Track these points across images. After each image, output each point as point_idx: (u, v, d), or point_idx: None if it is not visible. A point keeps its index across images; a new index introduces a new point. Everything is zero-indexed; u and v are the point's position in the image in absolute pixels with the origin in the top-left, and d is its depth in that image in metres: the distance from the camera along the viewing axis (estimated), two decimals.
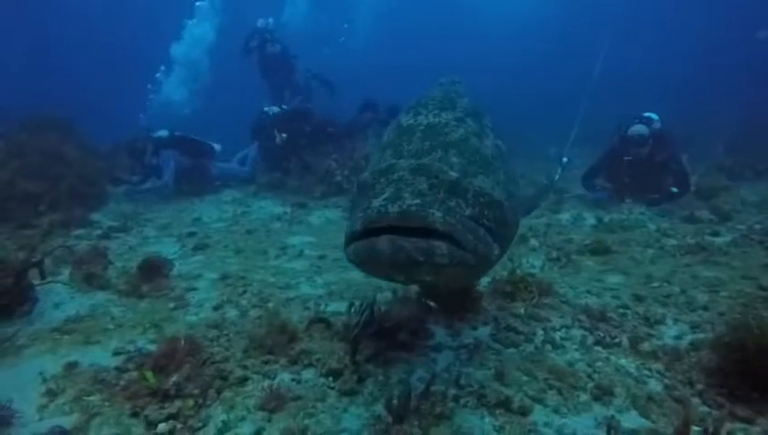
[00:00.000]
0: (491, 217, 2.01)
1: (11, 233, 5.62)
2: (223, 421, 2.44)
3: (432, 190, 1.89)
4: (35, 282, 3.82)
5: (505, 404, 2.54)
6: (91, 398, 2.64)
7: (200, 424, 2.45)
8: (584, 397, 2.63)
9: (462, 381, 2.74)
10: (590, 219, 6.61)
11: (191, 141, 8.56)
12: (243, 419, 2.48)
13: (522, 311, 3.64)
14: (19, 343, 3.16)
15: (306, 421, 2.44)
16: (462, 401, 2.59)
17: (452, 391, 2.65)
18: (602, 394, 2.63)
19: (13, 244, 5.12)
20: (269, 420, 2.47)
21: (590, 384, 2.72)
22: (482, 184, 2.06)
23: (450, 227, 1.79)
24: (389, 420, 2.40)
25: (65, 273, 4.43)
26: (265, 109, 9.04)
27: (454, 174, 1.96)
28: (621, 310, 3.68)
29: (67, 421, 2.44)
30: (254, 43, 11.30)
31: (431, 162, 2.02)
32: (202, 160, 8.53)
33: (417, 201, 1.82)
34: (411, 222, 1.76)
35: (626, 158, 7.28)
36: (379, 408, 2.54)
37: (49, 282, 3.94)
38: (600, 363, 2.94)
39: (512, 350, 3.15)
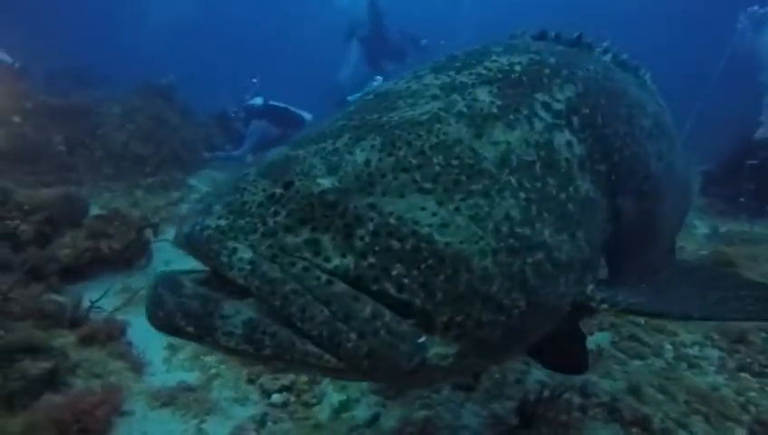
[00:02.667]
0: (425, 282, 1.06)
1: (123, 191, 5.98)
2: (340, 402, 2.39)
3: (264, 207, 1.08)
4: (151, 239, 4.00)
5: (643, 424, 2.28)
6: (207, 358, 2.69)
7: (314, 400, 2.41)
8: (740, 431, 2.31)
9: (588, 390, 2.51)
10: (702, 228, 6.00)
11: (283, 110, 8.73)
12: (357, 401, 2.41)
13: (641, 320, 3.31)
14: (141, 293, 3.31)
15: (424, 412, 2.33)
16: (590, 413, 2.37)
17: (577, 400, 2.43)
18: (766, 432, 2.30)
19: (126, 202, 5.44)
20: (384, 406, 2.38)
21: (746, 417, 2.38)
22: (412, 215, 1.09)
23: (260, 279, 0.99)
24: (514, 422, 2.24)
25: (171, 232, 4.63)
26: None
27: (324, 183, 1.07)
28: (764, 334, 3.25)
29: (191, 377, 2.49)
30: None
31: (303, 156, 1.15)
32: (290, 130, 8.67)
33: (221, 222, 1.07)
34: (201, 256, 1.06)
35: (750, 162, 6.53)
36: (497, 406, 2.39)
37: (162, 240, 4.11)
38: (753, 394, 2.58)
39: (638, 362, 2.87)
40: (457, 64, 1.45)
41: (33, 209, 3.42)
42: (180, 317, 1.00)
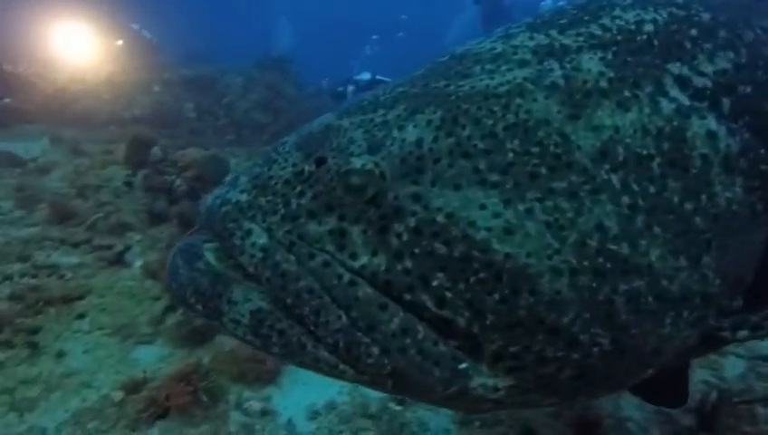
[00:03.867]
0: (477, 299, 0.86)
1: (245, 156, 6.34)
2: None
3: (290, 186, 0.93)
4: None
5: None
6: None
7: None
8: None
9: None
10: None
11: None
12: None
13: None
14: None
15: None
16: None
17: (761, 410, 2.15)
18: None
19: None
20: None
21: None
22: (467, 213, 0.87)
23: (271, 270, 0.87)
24: (688, 423, 2.03)
25: None
26: None
27: (359, 163, 0.88)
28: None
29: None
30: None
31: (346, 128, 0.97)
32: None
33: (242, 197, 0.95)
34: (215, 235, 0.96)
35: None
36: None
37: None
38: None
39: None
40: (563, 21, 1.08)
41: (186, 167, 3.70)
42: (190, 293, 0.90)
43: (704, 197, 0.96)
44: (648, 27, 1.07)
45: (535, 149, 0.91)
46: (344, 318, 0.84)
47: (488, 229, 0.85)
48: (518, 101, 0.94)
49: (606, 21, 1.07)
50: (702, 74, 1.04)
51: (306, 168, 0.93)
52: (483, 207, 0.86)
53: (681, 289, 0.93)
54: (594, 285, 0.88)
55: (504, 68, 1.00)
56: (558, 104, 0.95)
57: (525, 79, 0.97)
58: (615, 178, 0.92)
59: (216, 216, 0.95)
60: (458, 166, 0.89)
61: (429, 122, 0.92)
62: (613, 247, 0.89)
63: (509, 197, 0.87)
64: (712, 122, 1.00)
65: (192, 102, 6.95)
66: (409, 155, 0.90)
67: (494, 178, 0.88)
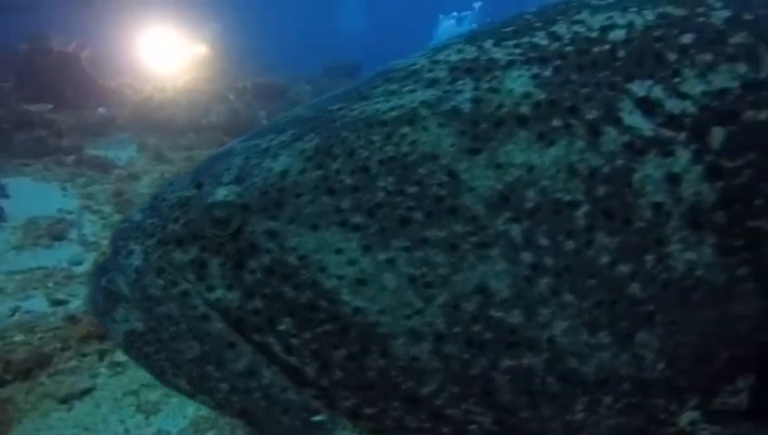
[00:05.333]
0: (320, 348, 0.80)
1: None
2: None
3: (172, 210, 0.90)
4: None
5: None
6: None
7: None
8: None
9: None
10: None
11: None
12: None
13: None
14: None
15: None
16: None
17: None
18: None
19: None
20: None
21: None
22: (320, 257, 0.79)
23: (140, 293, 0.87)
24: None
25: None
26: None
27: (220, 194, 0.83)
28: None
29: None
30: None
31: (232, 152, 0.92)
32: None
33: (139, 217, 0.95)
34: (110, 252, 0.97)
35: None
36: None
37: None
38: None
39: None
40: (508, 29, 0.90)
41: None
42: (92, 308, 0.93)
43: (649, 258, 0.75)
44: (616, 34, 0.83)
45: (412, 189, 0.77)
46: (197, 349, 0.82)
47: (340, 277, 0.76)
48: (404, 130, 0.80)
49: (560, 27, 0.86)
50: (683, 96, 0.78)
51: (187, 193, 0.90)
52: (339, 251, 0.77)
53: (599, 371, 0.75)
54: (467, 356, 0.75)
55: (407, 88, 0.85)
56: (453, 135, 0.78)
57: (422, 103, 0.82)
58: (516, 230, 0.75)
59: (115, 233, 0.96)
60: (320, 203, 0.79)
61: (303, 152, 0.83)
62: (498, 314, 0.74)
63: (370, 242, 0.76)
64: (680, 162, 0.76)
65: (264, 110, 7.22)
66: (271, 187, 0.82)
67: (357, 219, 0.77)
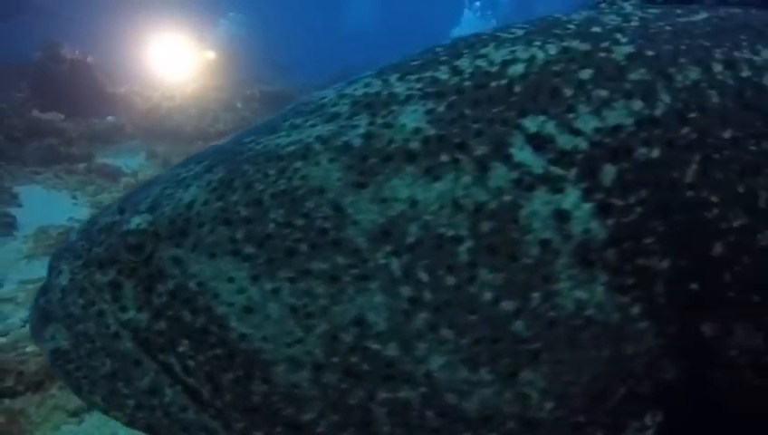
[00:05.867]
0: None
1: None
2: None
3: (100, 233, 0.96)
4: None
5: None
6: None
7: None
8: None
9: None
10: None
11: None
12: None
13: None
14: None
15: None
16: None
17: None
18: None
19: None
20: None
21: None
22: (215, 284, 0.82)
23: (63, 311, 0.93)
24: None
25: None
26: None
27: (134, 222, 0.89)
28: None
29: None
30: None
31: (157, 181, 0.99)
32: None
33: (74, 237, 1.02)
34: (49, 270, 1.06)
35: None
36: None
37: None
38: None
39: None
40: (416, 63, 0.90)
41: None
42: (30, 324, 1.01)
43: (535, 296, 0.73)
44: (515, 69, 0.82)
45: (299, 222, 0.79)
46: (108, 366, 0.87)
47: (230, 304, 0.79)
48: (297, 164, 0.82)
49: (463, 61, 0.86)
50: (576, 132, 0.77)
51: (112, 219, 0.95)
52: (231, 280, 0.80)
53: (482, 408, 0.74)
54: (344, 386, 0.75)
55: (309, 123, 0.88)
56: (342, 169, 0.80)
57: (317, 138, 0.84)
58: (396, 264, 0.75)
59: (53, 254, 1.02)
60: (218, 233, 0.82)
61: (209, 183, 0.87)
62: (375, 347, 0.74)
63: (258, 272, 0.79)
64: (569, 199, 0.74)
65: None
66: (178, 217, 0.86)
67: (249, 250, 0.80)
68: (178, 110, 7.78)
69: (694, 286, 0.74)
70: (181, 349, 0.82)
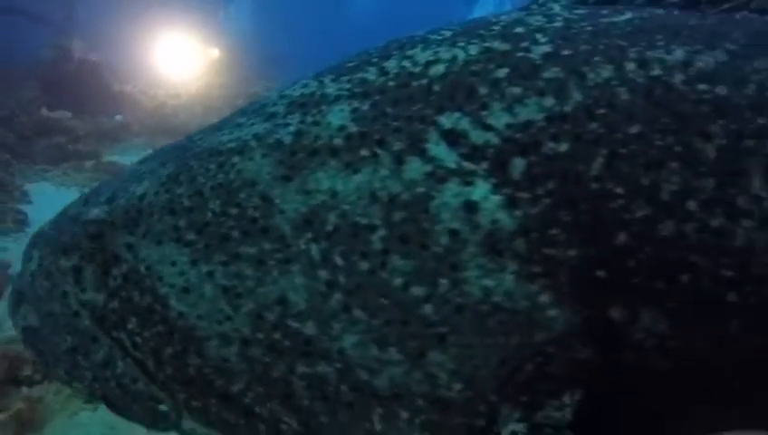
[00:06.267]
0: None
1: None
2: None
3: (69, 222, 1.04)
4: None
5: None
6: None
7: None
8: None
9: None
10: None
11: None
12: None
13: None
14: None
15: None
16: None
17: None
18: None
19: None
20: None
21: None
22: (160, 268, 0.90)
23: (31, 293, 1.02)
24: None
25: None
26: None
27: (93, 212, 0.97)
28: None
29: None
30: None
31: (125, 173, 1.10)
32: None
33: (46, 227, 1.10)
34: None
35: None
36: None
37: None
38: None
39: None
40: (350, 64, 0.95)
41: None
42: (8, 305, 1.07)
43: (444, 282, 0.77)
44: (436, 69, 0.87)
45: (233, 211, 0.86)
46: (69, 342, 0.96)
47: (171, 286, 0.87)
48: (235, 159, 0.90)
49: (390, 63, 0.91)
50: (488, 128, 0.80)
51: (79, 210, 1.02)
52: (173, 263, 0.88)
53: (392, 386, 0.79)
54: (268, 360, 0.82)
55: (249, 122, 0.94)
56: (272, 164, 0.86)
57: (254, 135, 0.91)
58: (315, 249, 0.81)
59: (28, 242, 1.10)
60: (164, 222, 0.91)
61: (160, 178, 0.96)
62: (294, 325, 0.81)
63: (197, 257, 0.87)
64: (478, 191, 0.78)
65: None
66: (132, 207, 0.95)
67: (190, 236, 0.88)
68: (184, 108, 7.87)
69: (600, 274, 0.78)
70: (130, 326, 0.91)
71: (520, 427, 0.80)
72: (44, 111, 6.39)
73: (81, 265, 0.96)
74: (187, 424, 0.93)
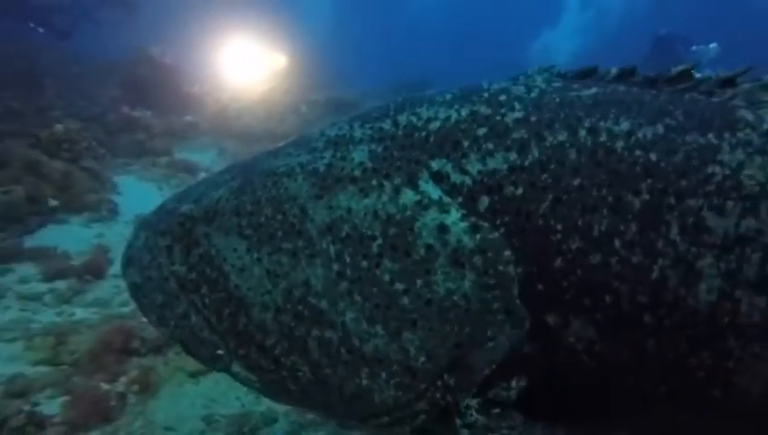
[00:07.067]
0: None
1: None
2: None
3: (165, 214, 1.33)
4: None
5: None
6: None
7: None
8: None
9: None
10: None
11: None
12: None
13: None
14: None
15: None
16: None
17: None
18: None
19: None
20: None
21: None
22: (226, 252, 1.20)
23: (136, 263, 1.30)
24: None
25: None
26: None
27: (184, 208, 1.26)
28: None
29: None
30: None
31: (204, 182, 1.40)
32: None
33: (154, 212, 1.39)
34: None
35: None
36: None
37: None
38: None
39: None
40: (375, 115, 1.23)
41: None
42: (121, 265, 1.35)
43: (419, 281, 1.04)
44: (434, 125, 1.15)
45: (279, 217, 1.15)
46: (160, 299, 1.23)
47: (232, 265, 1.17)
48: (284, 180, 1.19)
49: (401, 117, 1.19)
50: (464, 172, 1.08)
51: (174, 205, 1.32)
52: (235, 250, 1.17)
53: (375, 352, 1.06)
54: (292, 324, 1.11)
55: (296, 153, 1.24)
56: (310, 185, 1.15)
57: (299, 163, 1.20)
58: (333, 249, 1.09)
59: (137, 224, 1.43)
60: (232, 220, 1.20)
61: (231, 188, 1.25)
62: (313, 301, 1.09)
63: (251, 247, 1.16)
64: (451, 217, 1.04)
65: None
66: (210, 208, 1.24)
67: (248, 232, 1.17)
68: (247, 111, 8.29)
69: (540, 288, 1.04)
70: (202, 291, 1.20)
71: (474, 402, 1.07)
72: (125, 109, 6.90)
73: (172, 245, 1.26)
74: (236, 367, 1.20)
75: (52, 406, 2.03)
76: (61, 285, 3.11)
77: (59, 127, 4.82)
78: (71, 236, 3.82)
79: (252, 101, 8.55)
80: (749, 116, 1.09)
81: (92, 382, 2.17)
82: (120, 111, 6.68)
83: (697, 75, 1.18)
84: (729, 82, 1.15)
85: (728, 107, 1.11)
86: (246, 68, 9.20)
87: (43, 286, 3.09)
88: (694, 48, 8.60)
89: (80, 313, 2.85)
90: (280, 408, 2.15)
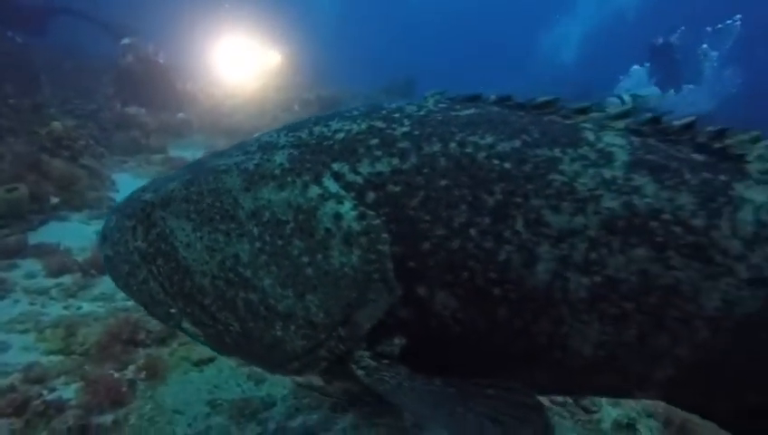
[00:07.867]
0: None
1: None
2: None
3: (133, 201, 1.54)
4: None
5: None
6: None
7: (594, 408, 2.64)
8: None
9: None
10: None
11: None
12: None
13: None
14: None
15: None
16: None
17: None
18: None
19: None
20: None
21: None
22: (177, 232, 1.42)
23: (109, 241, 1.53)
24: None
25: None
26: None
27: (146, 196, 1.49)
28: None
29: None
30: None
31: (166, 177, 1.63)
32: None
33: (124, 200, 1.63)
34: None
35: None
36: None
37: None
38: None
39: None
40: (298, 125, 1.52)
41: None
42: (97, 242, 1.64)
43: (319, 256, 1.28)
44: (339, 135, 1.40)
45: (217, 204, 1.40)
46: (126, 268, 1.47)
47: (181, 242, 1.41)
48: (223, 176, 1.44)
49: (316, 128, 1.44)
50: (357, 173, 1.32)
51: (139, 194, 1.56)
52: (183, 229, 1.42)
53: (286, 309, 1.30)
54: (225, 288, 1.35)
55: (236, 154, 1.49)
56: (241, 181, 1.40)
57: (235, 163, 1.45)
58: (257, 230, 1.33)
59: (110, 209, 1.74)
60: (182, 206, 1.43)
61: (183, 181, 1.49)
62: (240, 270, 1.34)
63: (196, 227, 1.40)
64: (345, 207, 1.29)
65: None
66: (166, 196, 1.47)
67: (194, 216, 1.41)
68: (239, 109, 8.40)
69: (411, 265, 1.27)
70: (158, 262, 1.44)
71: (366, 354, 1.31)
72: (119, 107, 6.98)
73: (135, 226, 1.49)
74: (185, 323, 1.43)
75: (68, 392, 2.19)
76: (66, 279, 3.25)
77: (57, 125, 4.93)
78: (72, 233, 3.95)
79: (245, 99, 8.64)
80: (591, 136, 1.33)
81: (104, 370, 2.33)
82: (115, 109, 6.76)
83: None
84: (582, 111, 1.41)
85: (576, 128, 1.36)
86: (240, 65, 9.26)
87: (49, 281, 3.23)
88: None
89: (86, 306, 3.00)
90: (278, 393, 2.34)
